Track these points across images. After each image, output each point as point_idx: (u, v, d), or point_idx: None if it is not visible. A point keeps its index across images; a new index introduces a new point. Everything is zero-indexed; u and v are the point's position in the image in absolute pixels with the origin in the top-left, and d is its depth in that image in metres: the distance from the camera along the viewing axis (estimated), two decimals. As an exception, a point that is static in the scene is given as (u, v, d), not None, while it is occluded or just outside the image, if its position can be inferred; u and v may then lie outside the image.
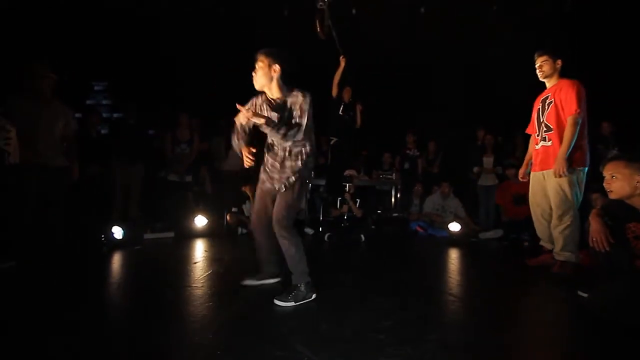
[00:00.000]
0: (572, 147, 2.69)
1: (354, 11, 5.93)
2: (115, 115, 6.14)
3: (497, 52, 5.82)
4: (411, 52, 6.23)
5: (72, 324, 1.71)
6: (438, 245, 4.30)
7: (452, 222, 4.79)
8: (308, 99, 2.09)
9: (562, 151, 2.68)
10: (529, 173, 3.08)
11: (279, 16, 5.88)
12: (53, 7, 5.32)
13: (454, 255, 3.79)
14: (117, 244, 3.49)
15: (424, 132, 6.27)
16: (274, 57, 2.10)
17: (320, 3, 4.39)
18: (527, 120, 3.13)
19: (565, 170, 2.66)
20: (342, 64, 4.76)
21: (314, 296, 2.08)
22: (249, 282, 2.34)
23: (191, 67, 6.05)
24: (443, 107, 6.32)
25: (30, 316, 1.81)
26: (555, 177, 2.71)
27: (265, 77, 2.09)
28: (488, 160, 5.45)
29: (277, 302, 1.99)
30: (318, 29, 4.46)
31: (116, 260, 3.14)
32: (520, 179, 3.18)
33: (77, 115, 3.55)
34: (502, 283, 2.77)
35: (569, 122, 2.71)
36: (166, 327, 1.71)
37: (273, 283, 2.36)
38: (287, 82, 2.16)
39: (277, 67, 2.09)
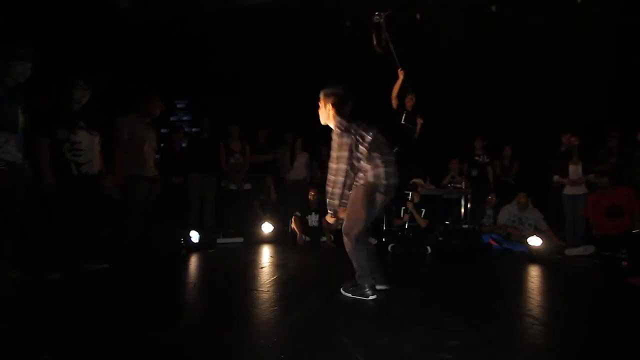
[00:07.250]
0: None
1: (418, 16, 5.79)
2: (193, 129, 6.76)
3: (583, 47, 5.20)
4: (480, 52, 5.87)
5: (148, 319, 1.90)
6: (515, 261, 3.94)
7: (532, 235, 4.34)
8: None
9: None
10: None
11: (341, 27, 5.98)
12: (145, 40, 6.18)
13: (534, 272, 3.43)
14: (194, 247, 3.85)
15: (496, 136, 5.81)
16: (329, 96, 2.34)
17: (377, 17, 4.36)
18: (626, 120, 2.74)
19: None
20: (401, 76, 4.72)
21: (372, 297, 2.21)
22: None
23: (256, 82, 6.43)
24: (520, 109, 5.81)
25: (115, 310, 2.04)
26: None
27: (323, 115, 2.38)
28: (575, 169, 4.71)
29: (341, 290, 2.30)
30: (375, 42, 4.44)
31: (193, 261, 3.44)
32: None
33: (164, 130, 4.03)
34: (594, 305, 2.43)
35: None
36: (233, 328, 1.81)
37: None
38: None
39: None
